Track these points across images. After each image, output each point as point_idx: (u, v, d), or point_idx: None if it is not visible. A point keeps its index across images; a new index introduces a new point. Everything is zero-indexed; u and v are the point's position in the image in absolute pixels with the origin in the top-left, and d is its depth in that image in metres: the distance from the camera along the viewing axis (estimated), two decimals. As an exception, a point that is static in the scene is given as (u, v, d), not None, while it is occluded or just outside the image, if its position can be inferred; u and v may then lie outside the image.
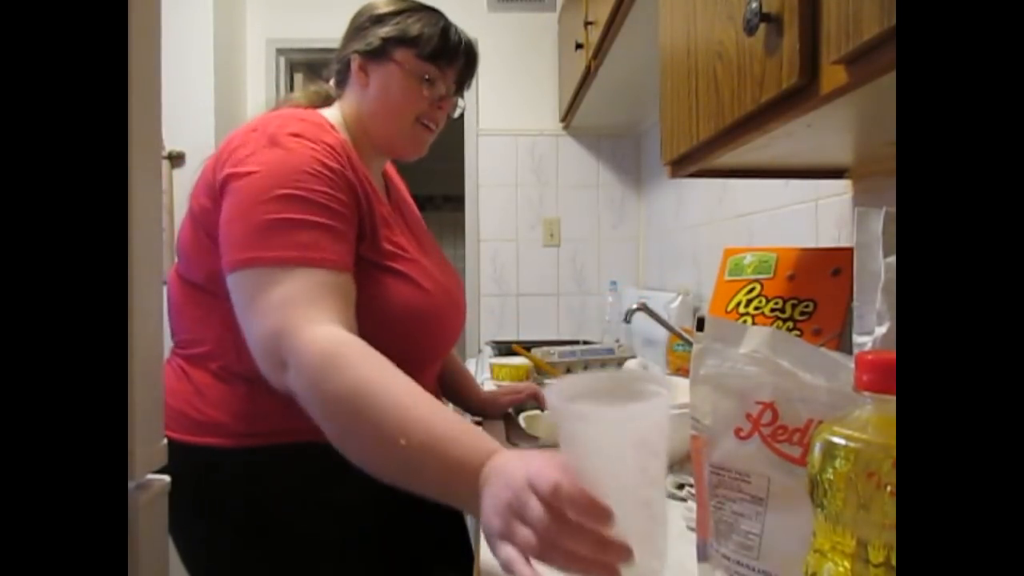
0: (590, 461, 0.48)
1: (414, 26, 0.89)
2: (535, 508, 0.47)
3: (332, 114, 0.92)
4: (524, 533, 0.48)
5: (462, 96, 0.99)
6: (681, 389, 0.96)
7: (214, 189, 0.78)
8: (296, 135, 0.77)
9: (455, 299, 0.94)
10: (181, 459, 0.66)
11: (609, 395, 0.53)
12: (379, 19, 0.90)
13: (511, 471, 0.52)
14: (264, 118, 0.83)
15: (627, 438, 0.47)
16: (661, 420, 0.48)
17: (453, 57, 0.92)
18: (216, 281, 0.77)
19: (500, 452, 0.57)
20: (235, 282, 0.73)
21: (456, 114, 0.99)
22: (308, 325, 0.66)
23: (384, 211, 0.85)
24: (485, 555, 0.63)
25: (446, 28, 0.91)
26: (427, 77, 0.90)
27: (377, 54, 0.89)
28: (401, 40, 0.89)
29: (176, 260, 0.86)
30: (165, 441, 0.87)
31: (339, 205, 0.75)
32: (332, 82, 0.97)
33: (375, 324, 0.81)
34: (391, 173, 1.05)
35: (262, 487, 0.80)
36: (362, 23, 0.92)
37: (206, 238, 0.79)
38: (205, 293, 0.81)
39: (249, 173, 0.74)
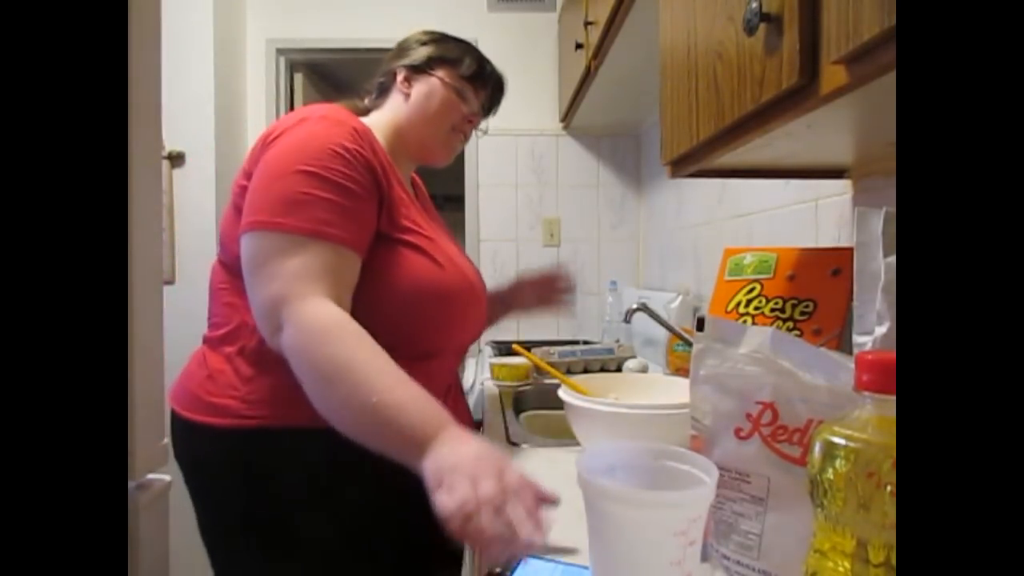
0: (624, 544, 0.46)
1: (455, 51, 1.02)
2: (493, 484, 0.59)
3: (367, 120, 1.00)
4: (483, 490, 0.59)
5: (487, 117, 1.10)
6: (681, 389, 0.96)
7: (250, 172, 0.84)
8: (324, 116, 0.85)
9: (472, 282, 0.96)
10: (188, 436, 0.86)
11: (641, 471, 0.52)
12: (424, 43, 1.03)
13: (472, 449, 0.65)
14: (303, 108, 0.92)
15: (669, 526, 0.45)
16: (703, 511, 0.46)
17: (485, 83, 1.04)
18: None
19: (452, 425, 0.68)
20: (250, 241, 0.79)
21: (480, 135, 1.10)
22: (309, 298, 0.75)
23: (404, 194, 0.92)
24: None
25: (482, 58, 1.05)
26: (463, 94, 1.01)
27: (421, 69, 1.01)
28: (444, 60, 1.01)
29: (218, 249, 0.92)
30: (165, 441, 0.88)
31: (356, 186, 0.82)
32: (370, 98, 1.06)
33: (390, 294, 0.84)
34: (415, 180, 1.12)
35: (258, 471, 0.83)
36: (408, 45, 1.05)
37: (239, 217, 0.84)
38: (235, 275, 0.86)
39: (277, 146, 0.82)
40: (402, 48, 1.05)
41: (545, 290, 1.20)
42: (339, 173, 0.80)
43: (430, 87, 1.00)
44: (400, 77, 1.01)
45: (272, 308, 0.76)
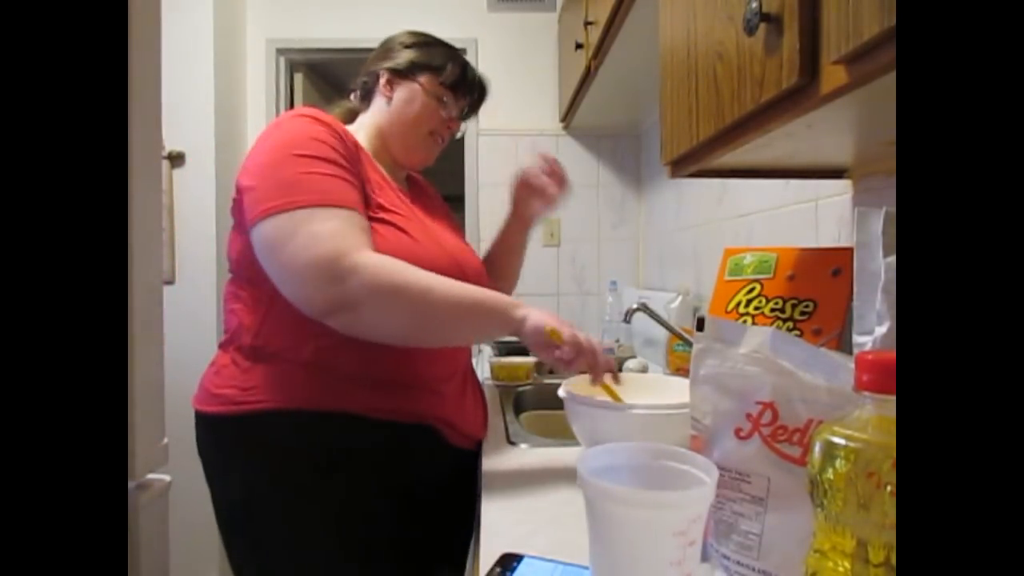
0: (624, 544, 0.46)
1: (439, 57, 1.04)
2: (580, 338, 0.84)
3: (355, 124, 1.04)
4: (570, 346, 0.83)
5: (466, 121, 1.12)
6: (681, 389, 0.96)
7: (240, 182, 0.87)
8: (294, 116, 0.89)
9: (458, 262, 0.96)
10: (201, 428, 0.92)
11: (641, 471, 0.52)
12: (408, 46, 1.05)
13: (541, 314, 0.85)
14: (276, 118, 0.96)
15: (669, 526, 0.45)
16: (703, 511, 0.46)
17: (467, 90, 1.06)
18: (241, 263, 0.88)
19: (518, 300, 0.88)
20: (269, 224, 0.80)
21: (457, 136, 1.12)
22: (363, 249, 0.79)
23: (379, 177, 0.94)
24: (485, 555, 0.63)
25: (465, 65, 1.06)
26: (443, 100, 1.04)
27: (404, 73, 1.03)
28: (426, 66, 1.03)
29: (229, 266, 0.96)
30: (165, 441, 0.88)
31: (347, 163, 0.86)
32: (355, 96, 1.09)
33: None
34: (415, 178, 1.15)
35: (255, 453, 0.87)
36: (392, 46, 1.06)
37: (236, 225, 0.89)
38: (234, 283, 0.92)
39: (264, 146, 0.86)
40: (386, 48, 1.06)
41: (542, 188, 1.12)
42: (329, 152, 0.85)
43: (411, 93, 1.02)
44: (382, 81, 1.04)
45: (327, 264, 0.77)
